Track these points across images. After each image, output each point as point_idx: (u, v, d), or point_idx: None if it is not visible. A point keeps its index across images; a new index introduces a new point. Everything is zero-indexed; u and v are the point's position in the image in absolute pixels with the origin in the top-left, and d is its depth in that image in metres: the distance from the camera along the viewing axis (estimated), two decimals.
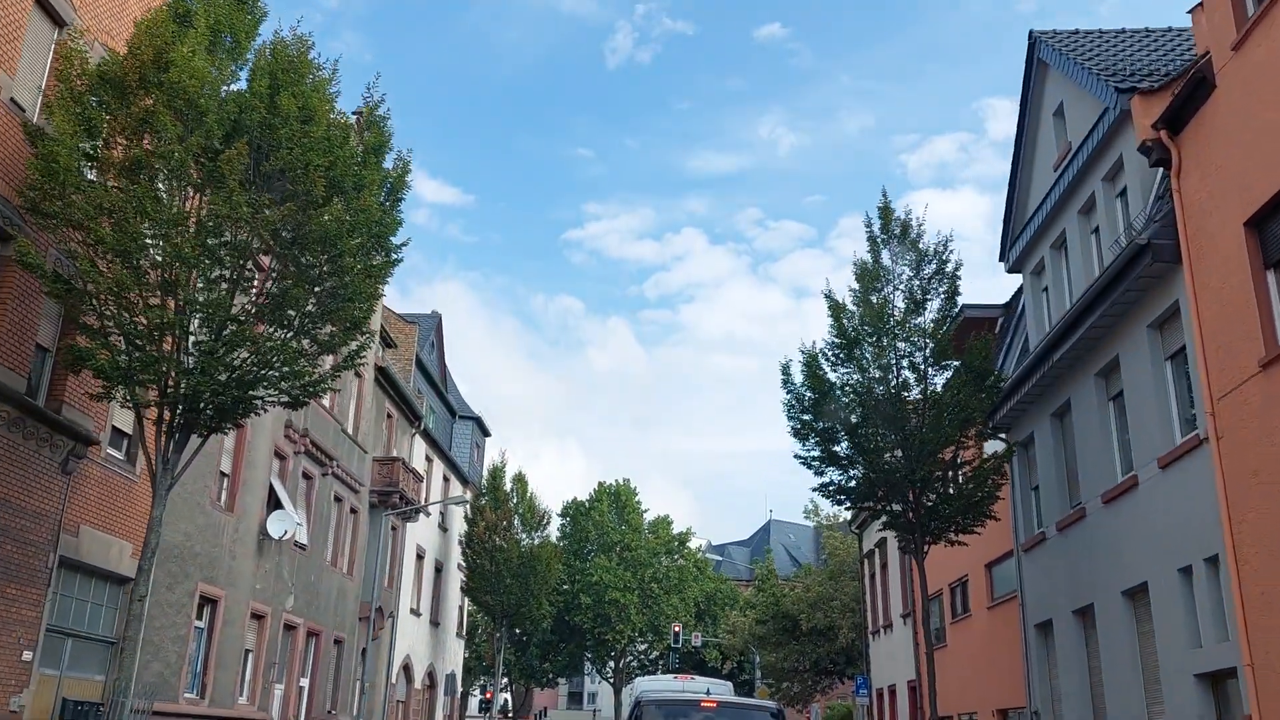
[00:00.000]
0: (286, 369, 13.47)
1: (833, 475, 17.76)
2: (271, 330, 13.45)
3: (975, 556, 22.03)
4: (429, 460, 37.40)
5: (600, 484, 68.24)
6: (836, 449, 17.42)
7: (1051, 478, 17.72)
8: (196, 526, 19.36)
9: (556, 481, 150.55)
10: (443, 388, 42.08)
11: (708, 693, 17.11)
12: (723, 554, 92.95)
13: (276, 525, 22.25)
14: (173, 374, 12.70)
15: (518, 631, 61.30)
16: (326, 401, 25.86)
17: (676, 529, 67.35)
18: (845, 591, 36.28)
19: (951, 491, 17.13)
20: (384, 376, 30.65)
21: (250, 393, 13.22)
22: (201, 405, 13.02)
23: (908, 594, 28.61)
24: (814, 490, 18.04)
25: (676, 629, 53.46)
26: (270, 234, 12.80)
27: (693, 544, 67.88)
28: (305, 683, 25.79)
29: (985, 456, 17.78)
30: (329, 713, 26.90)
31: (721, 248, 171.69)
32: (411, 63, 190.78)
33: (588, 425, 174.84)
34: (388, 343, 33.78)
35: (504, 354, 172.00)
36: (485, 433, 47.34)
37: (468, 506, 41.49)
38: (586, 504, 66.42)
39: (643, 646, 65.52)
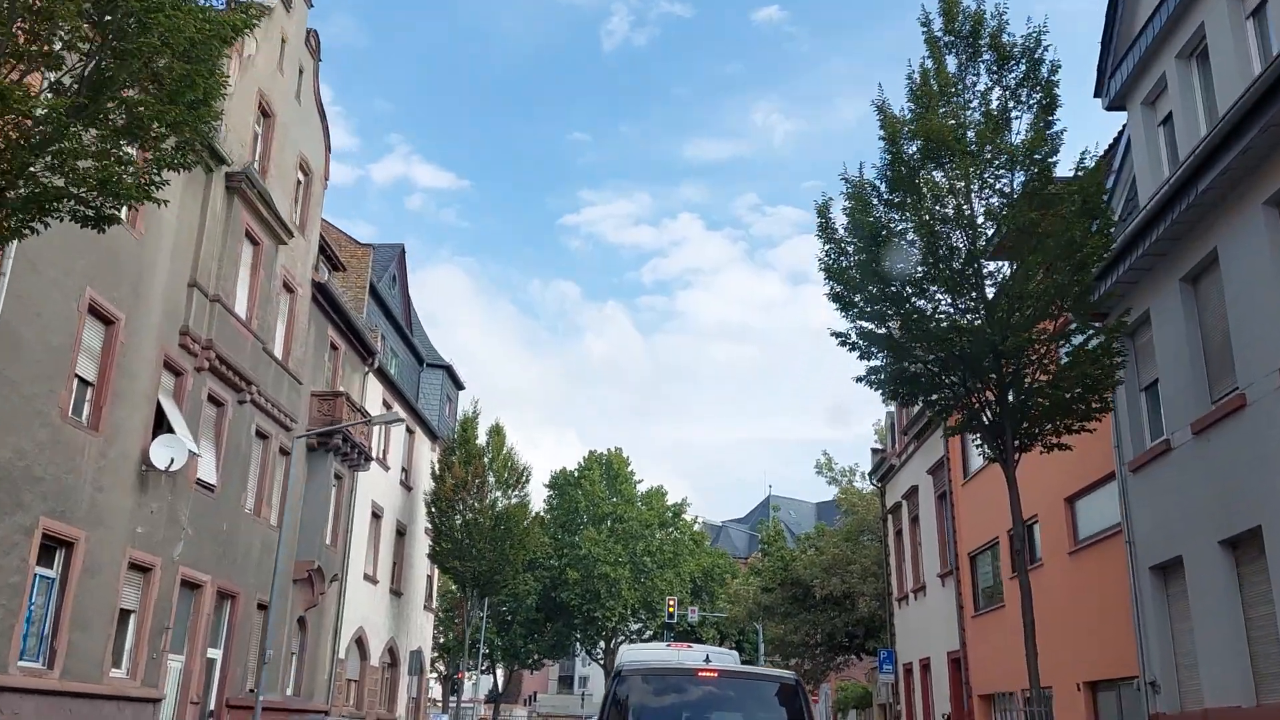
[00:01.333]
0: (67, 159, 8.75)
1: (883, 360, 12.94)
2: (54, 99, 8.74)
3: (1048, 490, 17.35)
4: (386, 406, 32.58)
5: (590, 453, 63.72)
6: (890, 325, 12.62)
7: (1182, 365, 13.02)
8: (35, 443, 14.63)
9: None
10: (407, 329, 37.25)
11: (707, 660, 12.32)
12: (720, 531, 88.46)
13: (161, 452, 17.50)
14: None
15: (503, 610, 56.88)
16: (242, 310, 21.07)
17: (671, 500, 62.86)
18: (866, 554, 31.60)
19: (1051, 376, 12.29)
20: (323, 295, 25.85)
21: (9, 190, 8.48)
22: None
23: (948, 550, 23.97)
24: (858, 380, 13.10)
25: (671, 604, 48.89)
26: None
27: (688, 516, 63.22)
28: (217, 654, 21.12)
29: (1096, 328, 12.92)
30: (249, 691, 22.19)
31: (718, 233, 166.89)
32: (406, 46, 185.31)
33: (586, 415, 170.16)
34: (335, 264, 28.98)
35: (501, 341, 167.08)
36: (458, 385, 42.44)
37: (435, 463, 36.76)
38: (575, 474, 61.80)
39: (635, 625, 60.98)
